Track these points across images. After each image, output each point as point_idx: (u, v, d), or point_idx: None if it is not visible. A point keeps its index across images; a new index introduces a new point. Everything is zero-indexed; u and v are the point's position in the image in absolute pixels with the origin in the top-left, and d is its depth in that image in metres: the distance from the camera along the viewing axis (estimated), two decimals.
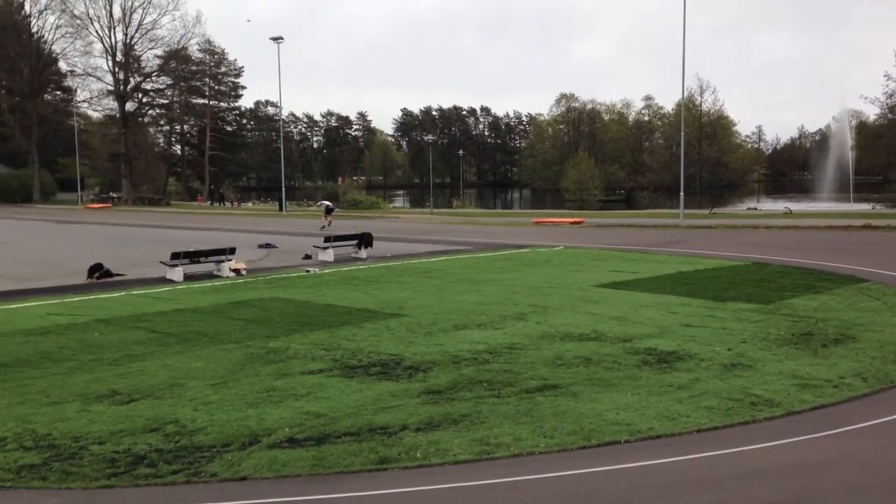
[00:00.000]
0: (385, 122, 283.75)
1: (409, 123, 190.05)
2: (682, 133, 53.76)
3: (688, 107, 65.62)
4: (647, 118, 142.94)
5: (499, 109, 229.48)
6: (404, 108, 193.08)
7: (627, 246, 31.10)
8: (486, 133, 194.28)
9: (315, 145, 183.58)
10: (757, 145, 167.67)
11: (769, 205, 76.57)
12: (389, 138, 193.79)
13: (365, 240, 28.33)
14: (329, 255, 26.94)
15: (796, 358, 12.01)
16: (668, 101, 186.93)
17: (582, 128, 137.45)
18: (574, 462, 7.75)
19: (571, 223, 46.83)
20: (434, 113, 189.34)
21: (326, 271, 23.69)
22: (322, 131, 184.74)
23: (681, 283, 20.33)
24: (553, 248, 30.42)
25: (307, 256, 27.51)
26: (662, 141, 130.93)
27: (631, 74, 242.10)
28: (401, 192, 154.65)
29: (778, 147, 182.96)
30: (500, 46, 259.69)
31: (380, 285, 20.43)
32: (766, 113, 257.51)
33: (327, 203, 49.89)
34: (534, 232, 40.84)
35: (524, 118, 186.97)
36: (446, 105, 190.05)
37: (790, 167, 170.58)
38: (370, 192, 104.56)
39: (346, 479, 7.40)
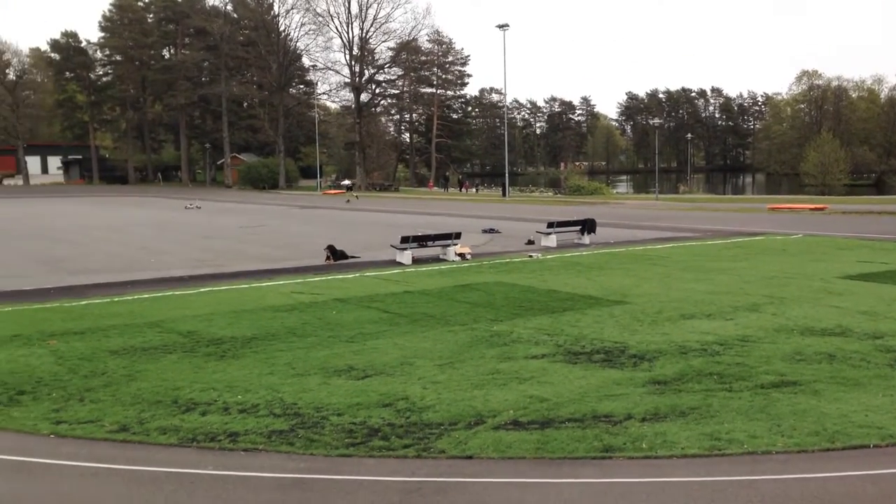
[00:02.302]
0: (609, 106, 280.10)
1: (634, 107, 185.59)
2: None
3: None
4: None
5: (731, 90, 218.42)
6: (629, 92, 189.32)
7: (878, 235, 28.46)
8: (717, 115, 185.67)
9: (538, 131, 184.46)
10: None
11: None
12: (613, 123, 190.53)
13: (588, 226, 28.08)
14: (552, 240, 26.96)
15: None
16: None
17: (825, 107, 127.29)
18: (816, 464, 7.23)
19: (812, 209, 43.69)
20: (661, 95, 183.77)
21: (549, 257, 23.73)
22: (545, 117, 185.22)
23: None
24: (791, 236, 28.50)
25: (530, 242, 27.71)
26: None
27: (883, 47, 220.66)
28: (624, 177, 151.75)
29: None
30: (734, 23, 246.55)
31: (603, 272, 20.16)
32: None
33: (347, 182, 70.95)
34: (769, 219, 38.49)
35: (759, 98, 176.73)
36: (674, 87, 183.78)
37: None
38: (592, 178, 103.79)
39: (570, 464, 7.38)
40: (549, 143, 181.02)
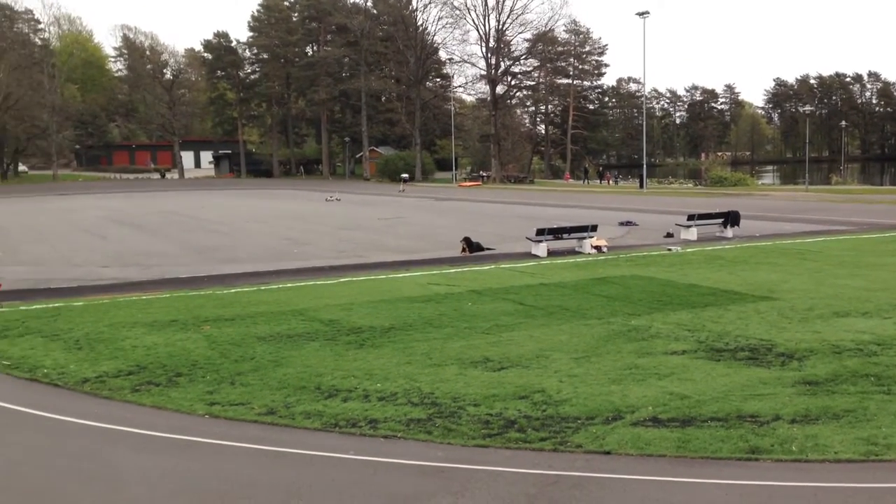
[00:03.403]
0: (755, 93, 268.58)
1: (783, 94, 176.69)
2: None
3: None
4: None
5: (890, 74, 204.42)
6: (777, 78, 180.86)
7: None
8: (875, 101, 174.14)
9: (677, 120, 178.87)
10: None
11: None
12: (759, 111, 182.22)
13: (731, 218, 27.06)
14: (692, 233, 26.15)
15: None
16: None
17: None
18: None
19: None
20: (812, 81, 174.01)
21: (689, 250, 23.03)
22: (685, 106, 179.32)
23: None
24: None
25: (669, 234, 26.99)
26: None
27: None
28: (770, 167, 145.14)
29: None
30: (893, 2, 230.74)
31: (747, 266, 19.37)
32: None
33: (405, 175, 77.69)
34: None
35: None
36: (826, 72, 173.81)
37: None
38: (736, 168, 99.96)
39: (712, 464, 7.15)
40: (689, 132, 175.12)
